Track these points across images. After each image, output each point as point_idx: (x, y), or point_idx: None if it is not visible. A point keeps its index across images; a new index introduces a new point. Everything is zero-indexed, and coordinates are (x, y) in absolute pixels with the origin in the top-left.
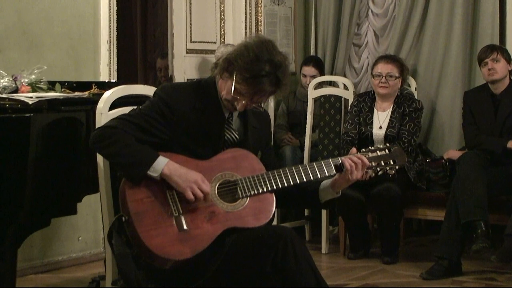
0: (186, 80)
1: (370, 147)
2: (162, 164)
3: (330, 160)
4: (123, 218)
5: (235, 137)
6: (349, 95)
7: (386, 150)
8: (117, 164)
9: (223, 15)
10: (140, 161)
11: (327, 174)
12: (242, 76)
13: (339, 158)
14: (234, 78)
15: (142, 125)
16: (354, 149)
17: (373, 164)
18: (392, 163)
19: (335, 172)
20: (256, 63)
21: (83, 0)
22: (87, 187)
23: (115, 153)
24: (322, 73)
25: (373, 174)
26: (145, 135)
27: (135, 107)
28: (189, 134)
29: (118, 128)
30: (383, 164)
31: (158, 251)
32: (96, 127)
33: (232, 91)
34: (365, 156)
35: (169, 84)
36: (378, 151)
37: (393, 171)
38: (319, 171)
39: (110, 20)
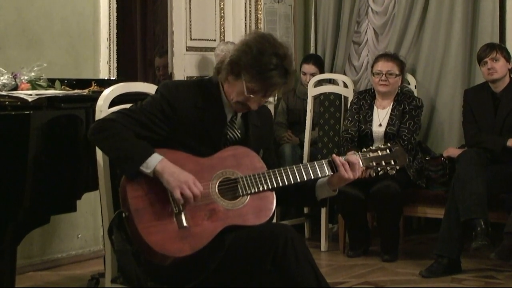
0: (186, 78)
1: (371, 147)
2: (156, 161)
3: (331, 158)
4: (123, 214)
5: (237, 135)
6: (348, 93)
7: (387, 150)
8: (112, 158)
9: (223, 13)
10: (134, 156)
11: (327, 173)
12: (251, 74)
13: (338, 157)
14: (244, 78)
15: (141, 120)
16: (352, 151)
17: (374, 164)
18: (393, 163)
19: (332, 171)
20: (262, 58)
21: None
22: (86, 184)
23: (111, 146)
24: (322, 71)
25: (374, 174)
26: (144, 131)
27: (136, 102)
28: (190, 132)
29: (117, 121)
30: (384, 164)
31: (158, 247)
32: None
33: (245, 91)
34: (366, 156)
35: (171, 82)
36: (379, 151)
37: (394, 171)
38: (319, 170)
39: (109, 18)
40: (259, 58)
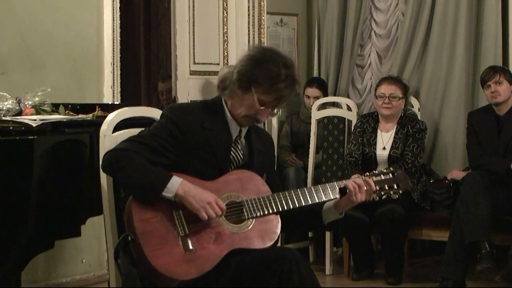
0: (189, 102)
1: (374, 171)
2: (176, 184)
3: (335, 182)
4: (129, 238)
5: (240, 157)
6: (352, 116)
7: (390, 174)
8: (131, 187)
9: (226, 37)
10: (154, 182)
11: (332, 197)
12: (264, 87)
13: (343, 181)
14: (254, 91)
15: (152, 146)
16: (357, 175)
17: (377, 188)
18: (396, 187)
19: (339, 195)
20: (273, 69)
21: (86, 21)
22: (91, 209)
23: (128, 175)
24: (325, 94)
25: (377, 198)
26: (156, 156)
27: (143, 129)
28: (197, 153)
29: (130, 150)
30: (387, 188)
31: (164, 271)
32: (100, 149)
33: (257, 103)
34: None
35: (177, 105)
36: (382, 175)
37: (397, 196)
38: (324, 194)
39: (113, 42)
40: (270, 70)
